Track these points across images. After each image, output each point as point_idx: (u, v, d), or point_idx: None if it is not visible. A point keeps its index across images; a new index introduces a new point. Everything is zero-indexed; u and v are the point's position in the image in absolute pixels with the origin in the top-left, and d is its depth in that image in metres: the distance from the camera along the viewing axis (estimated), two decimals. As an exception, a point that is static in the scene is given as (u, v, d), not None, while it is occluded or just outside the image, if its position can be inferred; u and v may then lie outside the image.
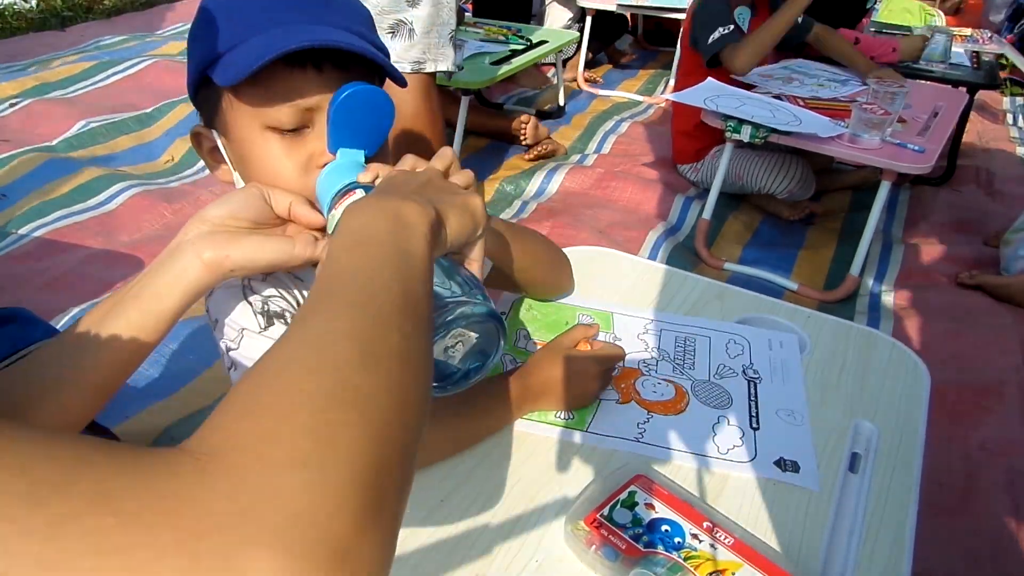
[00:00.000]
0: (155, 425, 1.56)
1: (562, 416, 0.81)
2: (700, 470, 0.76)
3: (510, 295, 1.01)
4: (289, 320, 0.76)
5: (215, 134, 0.76)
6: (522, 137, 2.94)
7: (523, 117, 2.95)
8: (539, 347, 0.90)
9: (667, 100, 2.83)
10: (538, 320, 0.97)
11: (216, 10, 0.71)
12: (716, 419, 0.83)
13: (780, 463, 0.77)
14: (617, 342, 0.94)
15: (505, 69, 2.69)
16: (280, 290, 0.80)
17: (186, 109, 3.13)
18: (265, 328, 0.75)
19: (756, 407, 0.85)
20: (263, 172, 0.74)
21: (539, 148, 2.95)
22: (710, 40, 2.43)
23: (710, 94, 2.26)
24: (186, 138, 2.91)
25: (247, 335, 0.75)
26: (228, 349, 0.76)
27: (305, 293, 0.83)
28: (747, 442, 0.80)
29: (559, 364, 0.82)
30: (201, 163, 2.77)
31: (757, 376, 0.90)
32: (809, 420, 0.83)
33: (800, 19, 2.65)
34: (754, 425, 0.82)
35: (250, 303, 0.76)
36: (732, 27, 2.44)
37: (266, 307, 0.77)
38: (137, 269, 2.11)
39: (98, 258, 2.16)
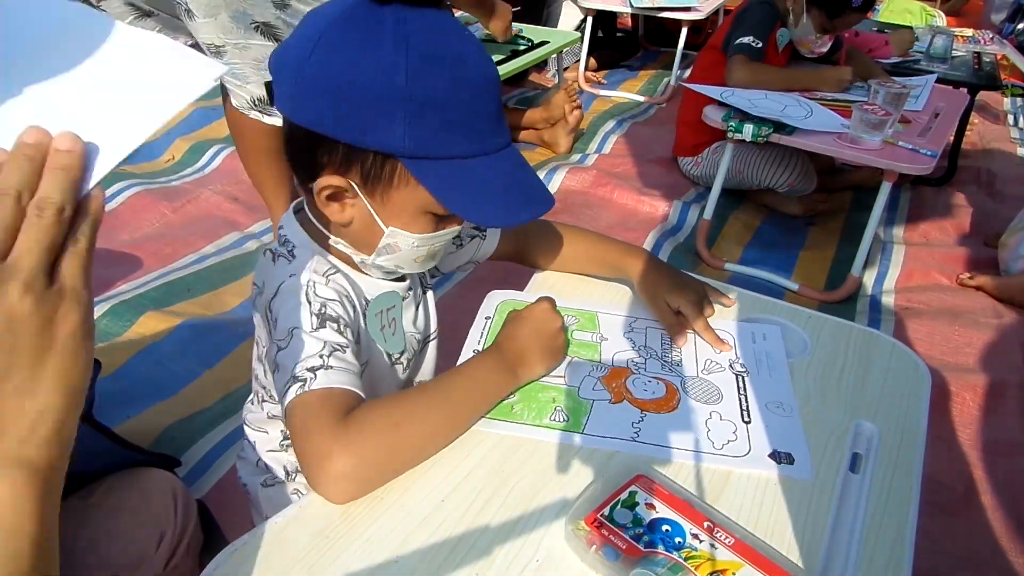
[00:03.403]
0: (155, 425, 1.56)
1: (557, 419, 0.81)
2: (700, 470, 0.76)
3: (495, 296, 1.02)
4: (341, 327, 0.78)
5: (355, 186, 0.78)
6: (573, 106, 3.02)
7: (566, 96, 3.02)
8: None
9: (679, 86, 2.85)
10: None
11: (405, 95, 0.70)
12: (708, 415, 0.83)
13: (775, 455, 0.77)
14: (603, 341, 0.94)
15: (505, 69, 2.69)
16: (341, 298, 0.81)
17: (187, 108, 3.13)
18: (315, 329, 0.77)
19: (746, 401, 0.85)
20: (411, 246, 0.81)
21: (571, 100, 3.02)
22: (736, 41, 2.45)
23: (727, 92, 2.27)
24: (187, 137, 2.93)
25: (296, 334, 0.76)
26: (278, 349, 0.77)
27: (361, 302, 0.85)
28: (740, 436, 0.80)
29: (517, 324, 0.86)
30: (201, 162, 2.77)
31: (744, 369, 0.90)
32: (798, 411, 0.84)
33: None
34: (746, 419, 0.82)
35: (309, 302, 0.78)
36: (761, 44, 2.45)
37: (323, 310, 0.78)
38: (137, 268, 2.11)
39: (98, 257, 2.12)
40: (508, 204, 0.77)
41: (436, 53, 0.71)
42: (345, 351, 0.76)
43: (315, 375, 0.73)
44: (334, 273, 0.83)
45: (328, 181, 0.77)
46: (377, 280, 0.89)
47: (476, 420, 0.79)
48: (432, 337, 1.00)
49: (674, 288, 0.98)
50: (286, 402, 0.73)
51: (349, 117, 0.72)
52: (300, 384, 0.72)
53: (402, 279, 0.92)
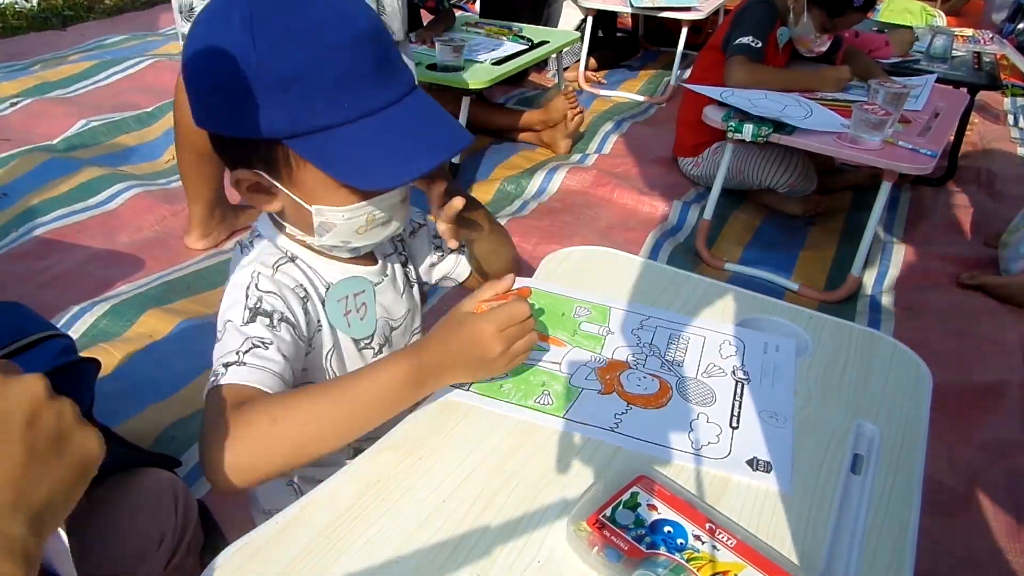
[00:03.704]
0: (155, 425, 1.56)
1: (543, 402, 0.81)
2: (702, 472, 0.76)
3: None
4: (275, 322, 0.78)
5: (264, 175, 0.78)
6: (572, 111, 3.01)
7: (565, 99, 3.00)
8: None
9: (679, 86, 2.85)
10: (535, 310, 0.96)
11: (262, 77, 0.70)
12: (696, 415, 0.83)
13: (752, 463, 0.77)
14: (610, 335, 0.94)
15: (505, 69, 2.69)
16: (283, 290, 0.81)
17: (187, 108, 3.13)
18: (245, 323, 0.77)
19: (740, 407, 0.85)
20: (344, 220, 0.80)
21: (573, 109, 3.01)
22: (736, 41, 2.45)
23: (727, 92, 2.27)
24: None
25: (228, 327, 0.77)
26: (216, 342, 0.78)
27: (310, 306, 0.85)
28: (723, 440, 0.79)
29: (451, 334, 0.78)
30: (202, 162, 2.76)
31: (746, 377, 0.89)
32: (793, 424, 0.83)
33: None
34: (734, 424, 0.82)
35: (247, 296, 0.79)
36: (760, 44, 2.45)
37: (258, 304, 0.78)
38: (137, 269, 2.11)
39: (98, 257, 2.16)
40: (405, 159, 0.74)
41: (287, 25, 0.70)
42: (268, 348, 0.76)
43: (226, 370, 0.74)
44: (286, 263, 0.83)
45: (237, 175, 0.78)
46: (344, 265, 0.89)
47: (374, 424, 0.76)
48: (416, 331, 1.01)
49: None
50: (204, 395, 0.75)
51: (221, 111, 0.72)
52: (214, 378, 0.74)
53: (374, 262, 0.92)
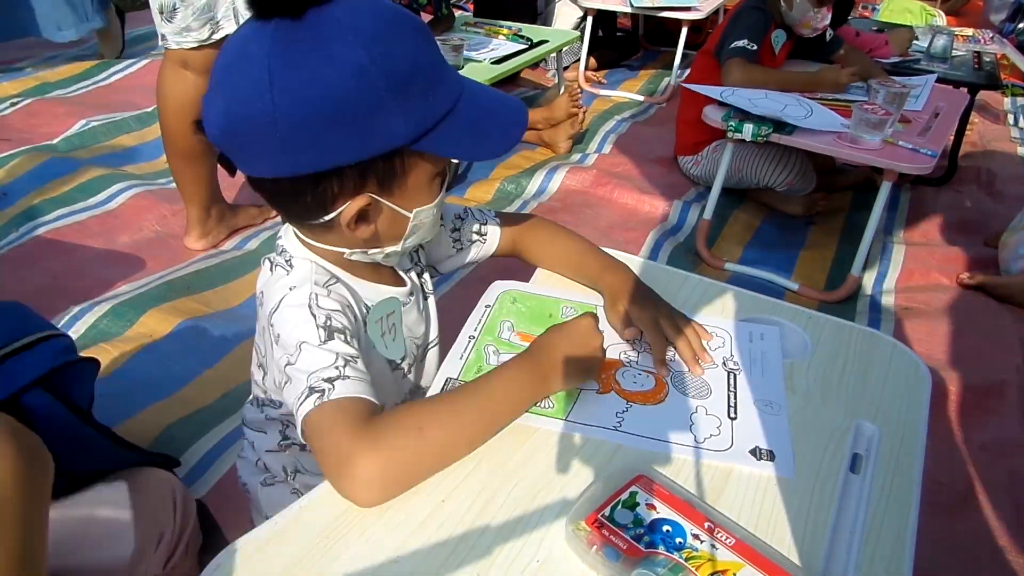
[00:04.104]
0: (156, 424, 1.56)
1: (543, 405, 0.81)
2: (700, 470, 0.76)
3: (497, 286, 1.02)
4: (348, 338, 0.77)
5: (375, 197, 0.78)
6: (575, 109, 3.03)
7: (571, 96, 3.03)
8: (521, 339, 0.91)
9: (679, 86, 2.86)
10: (522, 312, 0.97)
11: (391, 81, 0.70)
12: (694, 409, 0.83)
13: (755, 452, 0.78)
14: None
15: (504, 68, 2.69)
16: (344, 308, 0.80)
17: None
18: (324, 342, 0.75)
19: (735, 398, 0.85)
20: (432, 215, 0.84)
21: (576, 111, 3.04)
22: (731, 45, 2.46)
23: (727, 91, 2.27)
24: (186, 137, 2.92)
25: (306, 348, 0.75)
26: (287, 364, 0.75)
27: (362, 310, 0.85)
28: (724, 431, 0.80)
29: (561, 336, 0.83)
30: (202, 162, 2.76)
31: (737, 367, 0.90)
32: (787, 411, 0.84)
33: (830, 36, 2.67)
34: (732, 415, 0.83)
35: (313, 315, 0.77)
36: (755, 47, 2.45)
37: (328, 322, 0.77)
38: (138, 269, 2.11)
39: (98, 257, 2.16)
40: (497, 129, 0.81)
41: (394, 21, 0.72)
42: (357, 361, 0.75)
43: (333, 385, 0.71)
44: (334, 283, 0.82)
45: (354, 207, 0.76)
46: (377, 286, 0.88)
47: (503, 426, 0.77)
48: (432, 344, 1.00)
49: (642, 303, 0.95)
50: (304, 413, 0.71)
51: (346, 136, 0.70)
52: (318, 395, 0.71)
53: (402, 282, 0.92)
